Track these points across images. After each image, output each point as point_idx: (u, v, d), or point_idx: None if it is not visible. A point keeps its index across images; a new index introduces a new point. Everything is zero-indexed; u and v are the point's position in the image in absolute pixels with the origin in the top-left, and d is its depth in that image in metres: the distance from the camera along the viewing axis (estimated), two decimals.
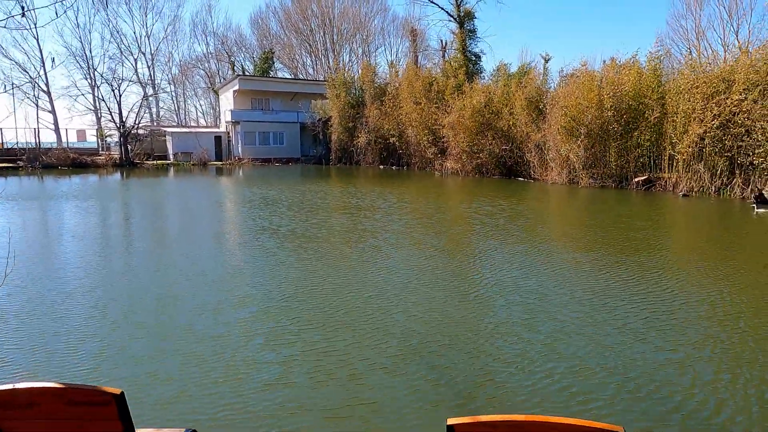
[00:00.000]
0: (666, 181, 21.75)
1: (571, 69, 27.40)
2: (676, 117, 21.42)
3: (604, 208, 17.19)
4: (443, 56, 40.70)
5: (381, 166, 39.45)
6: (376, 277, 8.55)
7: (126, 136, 42.61)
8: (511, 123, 29.15)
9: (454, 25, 39.38)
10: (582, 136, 24.07)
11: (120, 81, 43.51)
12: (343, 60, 68.14)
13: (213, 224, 14.56)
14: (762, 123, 18.38)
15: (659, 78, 23.08)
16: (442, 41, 43.81)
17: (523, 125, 28.18)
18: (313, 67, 71.45)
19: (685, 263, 9.62)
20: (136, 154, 43.71)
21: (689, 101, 20.91)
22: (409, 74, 37.41)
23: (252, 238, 12.11)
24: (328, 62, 67.97)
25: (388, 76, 42.61)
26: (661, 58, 23.49)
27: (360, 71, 43.56)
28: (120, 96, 42.64)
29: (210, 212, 17.00)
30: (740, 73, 19.48)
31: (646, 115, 22.45)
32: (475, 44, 38.75)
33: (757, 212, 15.45)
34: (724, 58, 21.46)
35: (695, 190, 20.54)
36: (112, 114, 42.47)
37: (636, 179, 22.57)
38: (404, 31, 62.03)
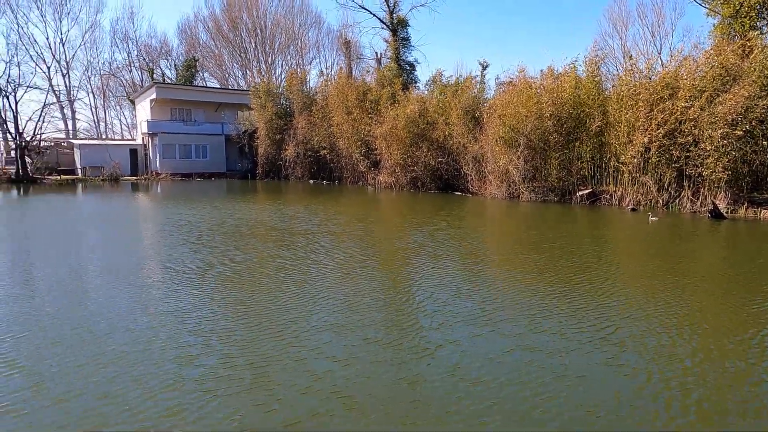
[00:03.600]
0: (611, 195, 20.25)
1: (508, 77, 25.88)
2: (619, 126, 20.05)
3: (548, 225, 15.26)
4: (378, 64, 38.73)
5: (311, 181, 36.83)
6: (290, 322, 6.12)
7: (24, 148, 37.99)
8: (447, 134, 27.30)
9: (387, 33, 37.60)
10: (521, 147, 22.37)
11: (16, 87, 38.89)
12: (275, 72, 65.33)
13: (94, 258, 11.60)
14: (710, 132, 17.09)
15: (599, 84, 21.76)
16: (376, 52, 42.00)
17: (460, 136, 26.36)
18: (244, 79, 68.17)
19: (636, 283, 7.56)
20: (36, 169, 39.13)
21: (632, 109, 19.57)
22: (340, 83, 35.14)
23: (144, 275, 9.27)
24: (261, 74, 64.98)
25: (318, 85, 40.27)
26: (599, 62, 22.21)
27: (285, 79, 41.02)
28: (16, 103, 38.08)
29: (95, 241, 13.95)
30: (685, 79, 18.26)
31: (587, 125, 21.00)
32: (410, 53, 37.12)
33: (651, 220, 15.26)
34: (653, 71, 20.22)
35: (642, 203, 19.10)
36: (7, 123, 37.85)
37: (579, 193, 21.00)
38: (338, 44, 60.08)
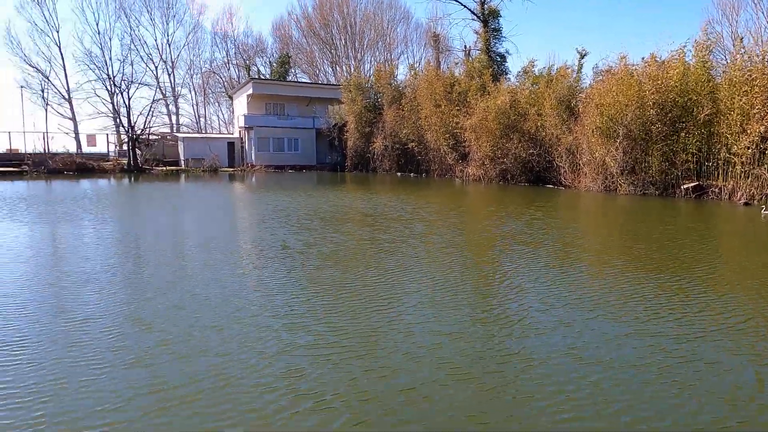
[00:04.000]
0: (720, 189, 18.83)
1: (607, 64, 24.67)
2: (731, 114, 18.57)
3: (653, 218, 14.43)
4: (467, 56, 38.23)
5: (398, 173, 37.06)
6: (393, 299, 6.42)
7: (135, 140, 41.01)
8: (539, 125, 26.50)
9: (477, 25, 36.95)
10: (620, 138, 21.29)
11: (129, 84, 41.99)
12: (364, 68, 66.26)
13: (207, 238, 12.30)
14: None
15: (709, 71, 20.25)
16: (465, 45, 41.53)
17: (553, 127, 25.50)
18: (334, 75, 69.72)
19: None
20: (145, 160, 42.09)
21: (747, 96, 18.07)
22: (428, 75, 35.05)
23: (251, 253, 9.74)
24: (350, 70, 66.19)
25: (407, 78, 40.40)
26: (710, 47, 20.65)
27: (373, 74, 41.46)
28: (129, 100, 41.14)
29: (207, 223, 14.81)
30: None
31: (694, 114, 19.62)
32: (500, 44, 36.24)
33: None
34: None
35: (756, 197, 17.62)
36: (121, 117, 40.98)
37: (684, 186, 19.68)
38: (427, 37, 59.97)
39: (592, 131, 22.53)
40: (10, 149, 42.58)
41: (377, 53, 68.90)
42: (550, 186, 25.48)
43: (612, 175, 21.98)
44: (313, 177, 35.90)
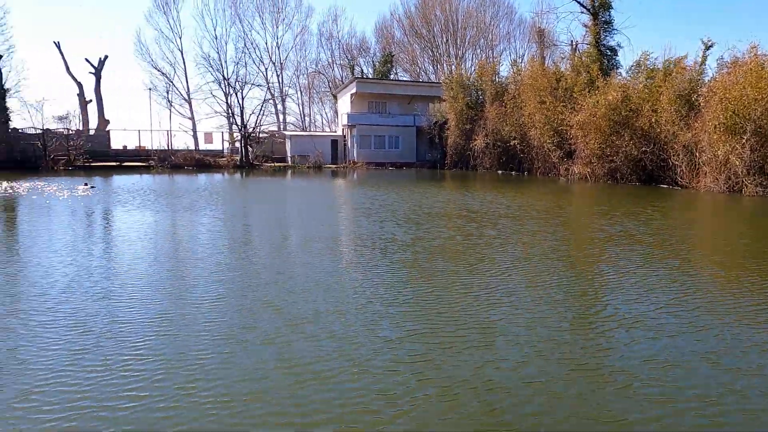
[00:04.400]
0: None
1: (733, 56, 22.76)
2: None
3: None
4: (573, 51, 36.83)
5: (499, 171, 36.49)
6: (508, 293, 6.43)
7: (247, 138, 43.52)
8: (653, 121, 25.02)
9: (586, 18, 35.44)
10: (747, 135, 19.65)
11: (243, 85, 44.60)
12: (465, 65, 65.75)
13: (320, 229, 12.91)
14: None
15: None
16: (571, 39, 40.00)
17: (669, 123, 23.99)
18: (434, 74, 69.82)
19: None
20: (255, 156, 44.52)
21: None
22: (533, 71, 34.16)
23: (362, 244, 10.15)
24: (450, 68, 65.95)
25: (509, 74, 39.65)
26: None
27: (475, 70, 41.01)
28: (242, 99, 43.71)
29: (317, 215, 15.51)
30: None
31: None
32: (611, 37, 34.52)
33: None
34: None
35: None
36: (234, 117, 43.57)
37: None
38: (531, 33, 58.39)
39: (715, 127, 20.96)
40: (139, 146, 46.66)
41: (478, 50, 68.12)
42: (665, 186, 24.00)
43: (736, 175, 20.33)
44: (413, 174, 36.26)
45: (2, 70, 39.80)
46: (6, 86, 39.88)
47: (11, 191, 20.43)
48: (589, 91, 28.39)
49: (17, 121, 40.97)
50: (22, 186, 23.07)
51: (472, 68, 59.69)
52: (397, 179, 30.17)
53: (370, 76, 59.19)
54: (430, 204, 16.28)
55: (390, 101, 48.11)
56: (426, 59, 70.87)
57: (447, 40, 68.48)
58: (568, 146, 29.74)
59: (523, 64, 42.69)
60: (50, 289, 6.54)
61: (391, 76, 59.32)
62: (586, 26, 35.80)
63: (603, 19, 34.82)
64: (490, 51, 67.29)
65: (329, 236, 10.48)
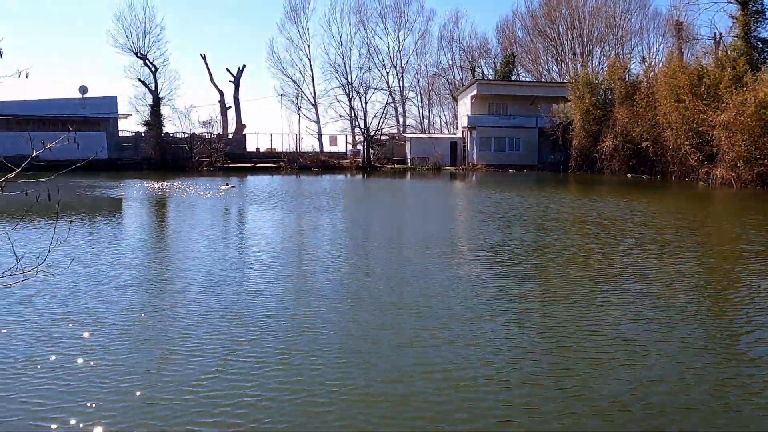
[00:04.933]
0: None
1: None
2: None
3: None
4: (716, 44, 33.92)
5: (628, 175, 34.52)
6: (656, 307, 6.36)
7: (369, 140, 44.99)
8: None
9: (733, 8, 32.51)
10: None
11: (366, 89, 46.13)
12: (592, 63, 62.80)
13: (447, 232, 13.25)
14: None
15: None
16: (715, 32, 36.80)
17: None
18: (558, 73, 67.43)
19: None
20: (376, 158, 45.87)
21: None
22: (670, 67, 31.92)
23: (491, 250, 10.32)
24: (576, 67, 63.33)
25: (641, 73, 37.38)
26: None
27: (606, 69, 39.03)
28: (366, 104, 45.23)
29: (442, 219, 15.90)
30: None
31: None
32: (763, 28, 31.38)
33: None
34: None
35: None
36: (358, 120, 45.21)
37: None
38: (668, 26, 54.50)
39: None
40: (270, 148, 49.93)
41: (607, 47, 64.68)
42: None
43: None
44: (535, 177, 35.39)
45: (158, 81, 44.56)
46: (161, 95, 44.57)
47: (168, 189, 22.91)
48: (735, 88, 26.07)
49: (168, 127, 45.64)
50: (174, 185, 25.78)
51: (600, 66, 56.95)
52: (519, 182, 29.64)
53: (491, 78, 58.52)
54: (558, 209, 15.93)
55: (511, 102, 47.26)
56: (549, 58, 68.65)
57: (572, 38, 65.82)
58: (710, 148, 27.51)
59: (657, 61, 40.10)
60: (206, 282, 7.39)
61: (513, 77, 58.20)
62: (733, 17, 32.87)
63: (753, 8, 31.79)
64: (620, 47, 63.65)
65: (457, 240, 10.72)
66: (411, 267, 8.40)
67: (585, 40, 65.26)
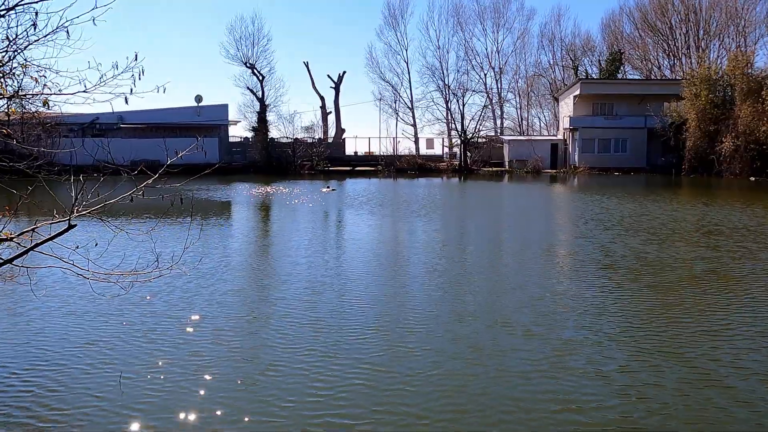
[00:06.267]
0: None
1: None
2: None
3: None
4: None
5: (752, 178, 31.70)
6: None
7: (466, 143, 44.71)
8: None
9: None
10: None
11: (464, 91, 45.90)
12: (709, 58, 58.28)
13: (540, 240, 13.00)
14: None
15: None
16: None
17: None
18: (670, 69, 63.22)
19: None
20: (473, 161, 45.47)
21: None
22: None
23: (607, 264, 9.83)
24: (690, 62, 59.08)
25: None
26: None
27: (727, 63, 36.10)
28: (463, 106, 45.03)
29: (545, 226, 15.62)
30: None
31: None
32: None
33: None
34: None
35: None
36: (455, 123, 45.10)
37: None
38: None
39: None
40: (368, 151, 51.01)
41: (727, 40, 59.75)
42: None
43: None
44: (644, 180, 33.42)
45: (265, 89, 47.01)
46: (267, 102, 46.97)
47: (281, 191, 24.07)
48: None
49: (273, 132, 47.97)
50: (280, 188, 27.08)
51: (719, 61, 52.78)
52: (629, 187, 27.99)
53: (595, 76, 56.02)
54: (681, 217, 14.87)
55: (617, 102, 44.99)
56: (660, 54, 64.53)
57: (687, 31, 61.44)
58: None
59: None
60: (303, 286, 7.78)
61: (619, 75, 55.37)
62: None
63: None
64: (743, 39, 58.58)
65: (565, 251, 10.38)
66: (521, 275, 8.32)
67: (701, 32, 60.69)
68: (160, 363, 4.72)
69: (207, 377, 4.46)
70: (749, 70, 34.23)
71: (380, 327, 5.70)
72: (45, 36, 4.05)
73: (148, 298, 6.60)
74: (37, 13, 3.94)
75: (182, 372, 4.53)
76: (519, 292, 7.15)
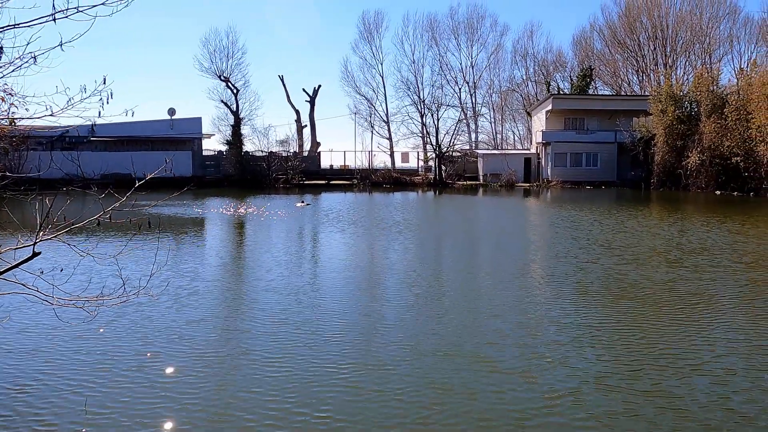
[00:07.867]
0: None
1: None
2: None
3: None
4: None
5: (717, 192, 32.59)
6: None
7: (441, 157, 45.04)
8: None
9: None
10: None
11: (438, 106, 46.35)
12: (676, 74, 59.97)
13: (514, 256, 13.13)
14: None
15: None
16: None
17: None
18: (639, 85, 64.85)
19: None
20: (448, 175, 45.82)
21: None
22: (766, 76, 30.05)
23: (595, 288, 9.56)
24: (658, 78, 60.65)
25: (733, 84, 35.33)
26: None
27: (692, 80, 37.18)
28: (438, 120, 45.42)
29: (519, 242, 15.77)
30: None
31: None
32: None
33: None
34: None
35: None
36: (430, 137, 45.42)
37: None
38: (761, 32, 51.26)
39: None
40: (343, 165, 51.00)
41: (692, 57, 61.60)
42: None
43: None
44: (615, 194, 34.07)
45: (239, 102, 46.78)
46: (241, 115, 46.73)
47: (250, 210, 23.88)
48: None
49: (248, 145, 47.66)
50: (252, 204, 26.84)
51: (685, 78, 54.36)
52: (601, 201, 28.45)
53: (567, 92, 57.17)
54: (656, 233, 15.08)
55: (588, 117, 45.94)
56: (629, 70, 66.19)
57: (655, 48, 63.21)
58: None
59: (749, 70, 37.78)
60: (280, 304, 7.73)
61: (590, 91, 56.57)
62: None
63: None
64: (708, 57, 60.46)
65: (559, 274, 10.22)
66: (505, 306, 8.35)
67: (668, 50, 62.53)
68: (124, 391, 4.64)
69: (172, 406, 4.40)
70: (713, 87, 35.29)
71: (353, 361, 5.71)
72: (11, 63, 4.01)
73: (101, 330, 6.22)
74: (2, 49, 3.90)
75: (144, 405, 4.47)
76: (496, 320, 7.20)
